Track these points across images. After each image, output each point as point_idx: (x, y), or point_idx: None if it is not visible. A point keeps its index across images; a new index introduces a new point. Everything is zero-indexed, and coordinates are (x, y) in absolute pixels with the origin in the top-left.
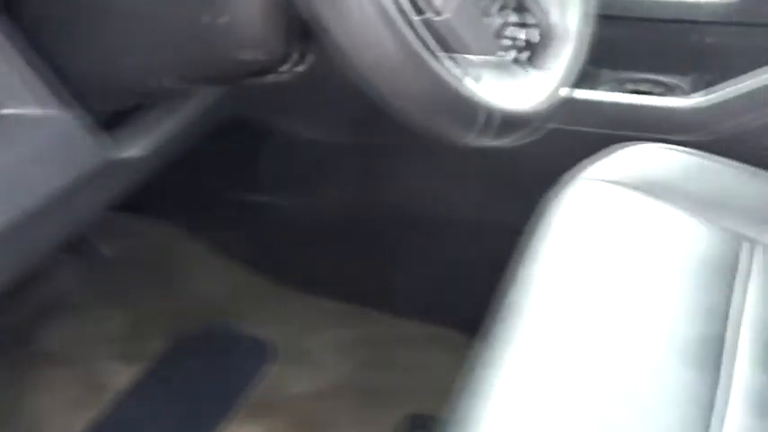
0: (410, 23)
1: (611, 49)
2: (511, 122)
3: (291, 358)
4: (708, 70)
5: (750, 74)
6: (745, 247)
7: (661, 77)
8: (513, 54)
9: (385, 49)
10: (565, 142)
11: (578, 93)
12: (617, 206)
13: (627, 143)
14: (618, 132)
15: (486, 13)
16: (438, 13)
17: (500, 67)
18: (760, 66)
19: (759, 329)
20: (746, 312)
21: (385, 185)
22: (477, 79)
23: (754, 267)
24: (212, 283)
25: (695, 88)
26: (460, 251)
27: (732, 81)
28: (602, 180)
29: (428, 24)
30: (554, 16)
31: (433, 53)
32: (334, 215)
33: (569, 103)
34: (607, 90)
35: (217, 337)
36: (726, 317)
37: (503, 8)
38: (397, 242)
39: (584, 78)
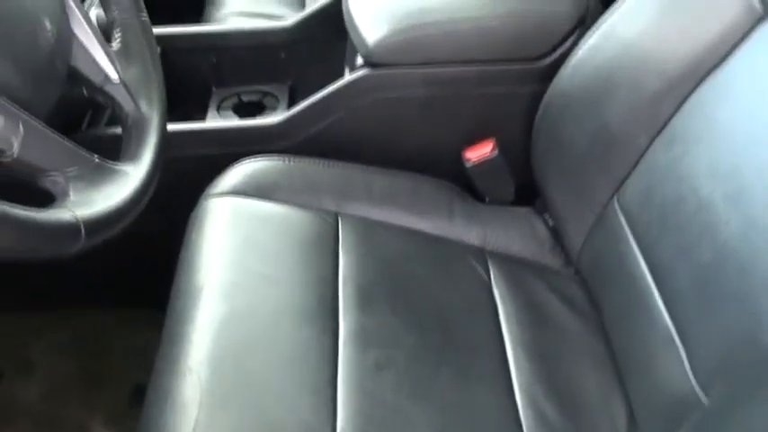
0: None
1: (221, 72)
2: (106, 222)
3: (18, 371)
4: (292, 78)
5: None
6: (340, 220)
7: (264, 87)
8: (96, 157)
9: None
10: (191, 167)
11: (194, 125)
12: (242, 212)
13: (240, 159)
14: (230, 150)
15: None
16: (6, 155)
17: (91, 172)
18: (330, 69)
19: (358, 284)
20: (347, 271)
21: None
22: (62, 197)
23: (343, 233)
24: None
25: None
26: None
27: (310, 98)
28: (227, 193)
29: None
30: (142, 106)
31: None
32: None
33: (189, 134)
34: (226, 107)
35: None
36: (335, 279)
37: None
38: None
39: (201, 96)
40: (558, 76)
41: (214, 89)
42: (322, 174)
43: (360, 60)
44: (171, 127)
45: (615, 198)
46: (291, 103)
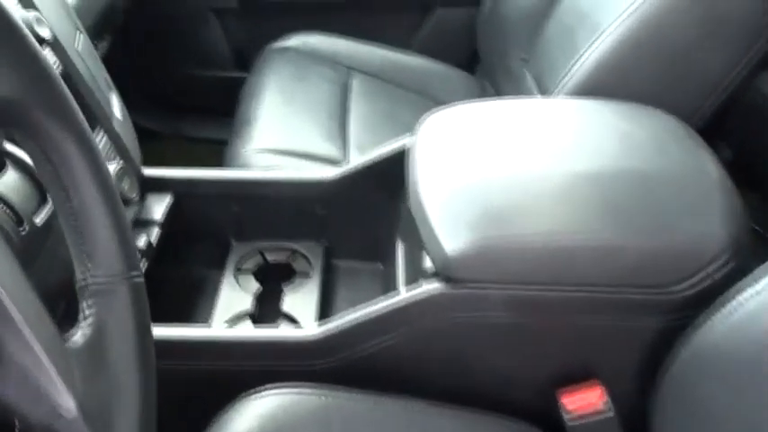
0: None
1: (243, 224)
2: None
3: None
4: (328, 238)
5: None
6: None
7: (289, 245)
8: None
9: None
10: (195, 384)
11: (200, 332)
12: None
13: (257, 386)
14: (246, 365)
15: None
16: None
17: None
18: (363, 228)
19: None
20: None
21: None
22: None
23: None
24: None
25: (323, 256)
26: None
27: (350, 311)
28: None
29: None
30: None
31: None
32: None
33: (193, 345)
34: (246, 270)
35: None
36: None
37: None
38: None
39: (219, 250)
40: (705, 323)
41: (234, 243)
42: (371, 414)
43: (428, 264)
44: (171, 333)
45: None
46: (326, 269)
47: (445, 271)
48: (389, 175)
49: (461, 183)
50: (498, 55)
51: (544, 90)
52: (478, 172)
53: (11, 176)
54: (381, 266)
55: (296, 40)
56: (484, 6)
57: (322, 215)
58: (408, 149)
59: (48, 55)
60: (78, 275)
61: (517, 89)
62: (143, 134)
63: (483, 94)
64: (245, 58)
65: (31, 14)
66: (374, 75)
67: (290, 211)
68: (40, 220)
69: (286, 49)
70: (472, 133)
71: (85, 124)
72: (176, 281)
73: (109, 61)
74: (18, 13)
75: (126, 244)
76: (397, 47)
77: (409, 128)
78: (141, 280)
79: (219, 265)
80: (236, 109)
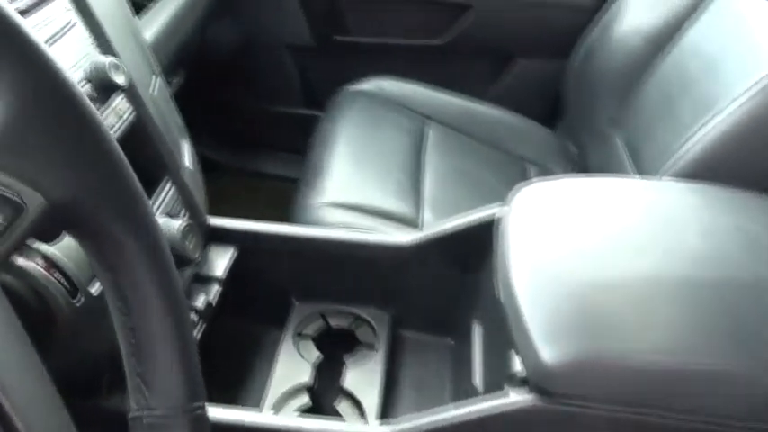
0: None
1: (306, 284)
2: None
3: None
4: (396, 306)
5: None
6: None
7: (354, 309)
8: None
9: None
10: None
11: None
12: None
13: None
14: None
15: None
16: None
17: None
18: (435, 299)
19: None
20: None
21: None
22: None
23: None
24: None
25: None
26: None
27: (421, 414)
28: None
29: None
30: None
31: None
32: None
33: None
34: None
35: None
36: None
37: None
38: None
39: (280, 309)
40: None
41: (296, 303)
42: None
43: (517, 367)
44: (223, 415)
45: None
46: (393, 340)
47: (540, 381)
48: (470, 247)
49: (563, 277)
50: (585, 112)
51: (639, 162)
52: (583, 265)
53: (67, 241)
54: (452, 342)
55: (371, 84)
56: (573, 59)
57: (392, 282)
58: (498, 225)
59: (121, 102)
60: (132, 404)
61: (605, 154)
62: (207, 166)
63: (564, 152)
64: (318, 97)
65: (107, 60)
66: (450, 125)
67: (359, 274)
68: (95, 289)
69: (361, 93)
70: (574, 215)
71: (157, 227)
72: (233, 336)
73: (180, 94)
74: (95, 59)
75: (191, 371)
76: (473, 96)
77: (485, 186)
78: (204, 412)
79: (279, 324)
80: (308, 154)
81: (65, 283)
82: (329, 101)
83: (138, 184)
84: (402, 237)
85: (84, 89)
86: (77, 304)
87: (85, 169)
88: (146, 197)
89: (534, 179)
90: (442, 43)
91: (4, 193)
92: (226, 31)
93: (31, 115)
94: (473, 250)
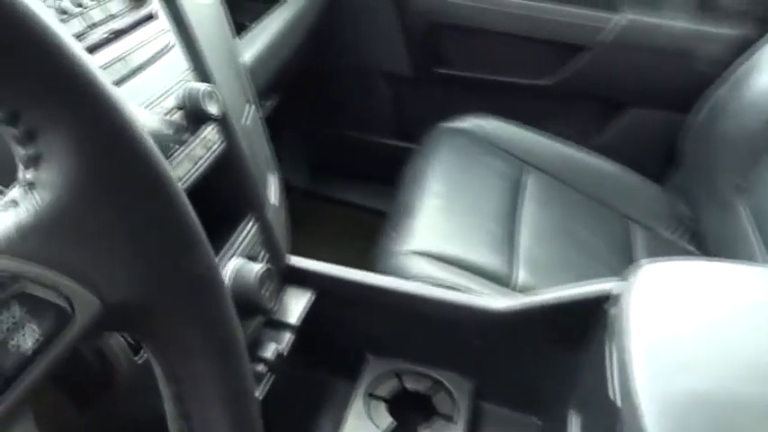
0: None
1: (383, 338)
2: None
3: None
4: (479, 374)
5: None
6: None
7: (432, 373)
8: None
9: None
10: None
11: None
12: None
13: None
14: None
15: None
16: None
17: None
18: (523, 373)
19: None
20: None
21: None
22: None
23: None
24: None
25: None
26: None
27: None
28: None
29: None
30: None
31: None
32: None
33: None
34: (378, 396)
35: None
36: None
37: None
38: None
39: (352, 362)
40: None
41: (370, 357)
42: None
43: None
44: None
45: None
46: (473, 411)
47: None
48: (572, 322)
49: (700, 389)
50: (704, 173)
51: (766, 236)
52: (723, 377)
53: None
54: (538, 422)
55: (470, 123)
56: (696, 114)
57: (478, 348)
58: (614, 304)
59: (212, 133)
60: None
61: (725, 222)
62: (290, 191)
63: (674, 213)
64: (411, 129)
65: (203, 87)
66: (551, 173)
67: (442, 335)
68: None
69: (458, 131)
70: (712, 310)
71: (238, 334)
72: (299, 386)
73: (271, 117)
74: (190, 85)
75: None
76: (576, 143)
77: (586, 247)
78: None
79: (350, 379)
80: (397, 191)
81: (128, 338)
82: (424, 136)
83: (221, 277)
84: (495, 301)
85: (174, 117)
86: (139, 362)
87: (160, 261)
88: (227, 292)
89: (660, 258)
90: (549, 84)
91: (47, 297)
92: (324, 55)
93: (92, 192)
94: (575, 326)
